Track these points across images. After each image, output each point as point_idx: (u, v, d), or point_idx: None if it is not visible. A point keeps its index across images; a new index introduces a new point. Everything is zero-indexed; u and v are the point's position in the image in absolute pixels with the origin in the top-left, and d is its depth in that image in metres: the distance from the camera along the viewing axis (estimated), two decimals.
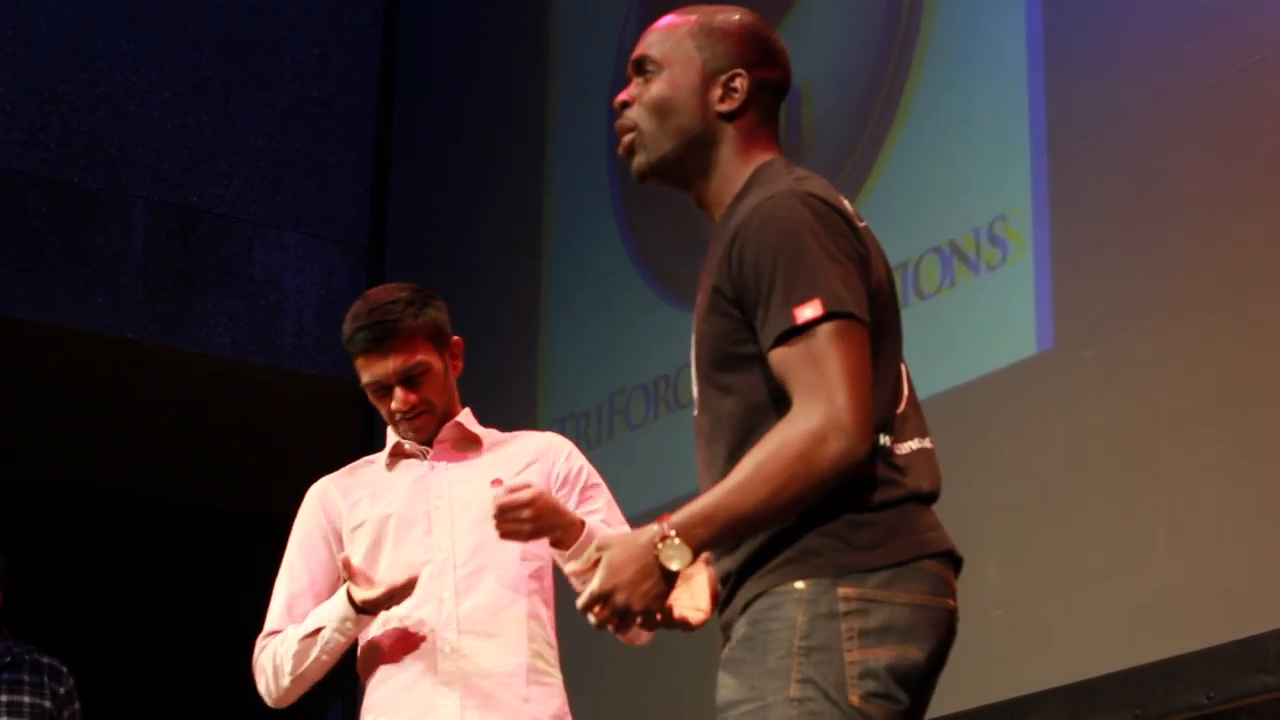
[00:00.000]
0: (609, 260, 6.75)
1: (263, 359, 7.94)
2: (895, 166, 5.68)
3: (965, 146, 5.48)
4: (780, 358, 2.64)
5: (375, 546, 3.80)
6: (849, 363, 2.62)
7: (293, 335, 8.01)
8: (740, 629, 2.68)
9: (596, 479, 3.87)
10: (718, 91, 2.83)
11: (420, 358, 3.76)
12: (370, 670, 3.82)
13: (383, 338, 3.73)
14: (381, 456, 3.90)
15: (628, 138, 2.87)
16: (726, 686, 2.66)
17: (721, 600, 2.77)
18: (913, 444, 2.74)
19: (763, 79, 2.85)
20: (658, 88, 2.85)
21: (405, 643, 3.73)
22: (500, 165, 7.54)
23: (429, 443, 3.85)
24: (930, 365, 4.87)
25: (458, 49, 7.99)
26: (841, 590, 2.61)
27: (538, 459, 3.85)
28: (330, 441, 8.14)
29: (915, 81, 5.69)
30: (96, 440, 8.43)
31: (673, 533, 2.59)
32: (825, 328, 2.62)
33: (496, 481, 3.75)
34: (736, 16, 2.88)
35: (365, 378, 3.78)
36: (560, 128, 7.24)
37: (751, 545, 2.68)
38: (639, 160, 2.86)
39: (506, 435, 3.94)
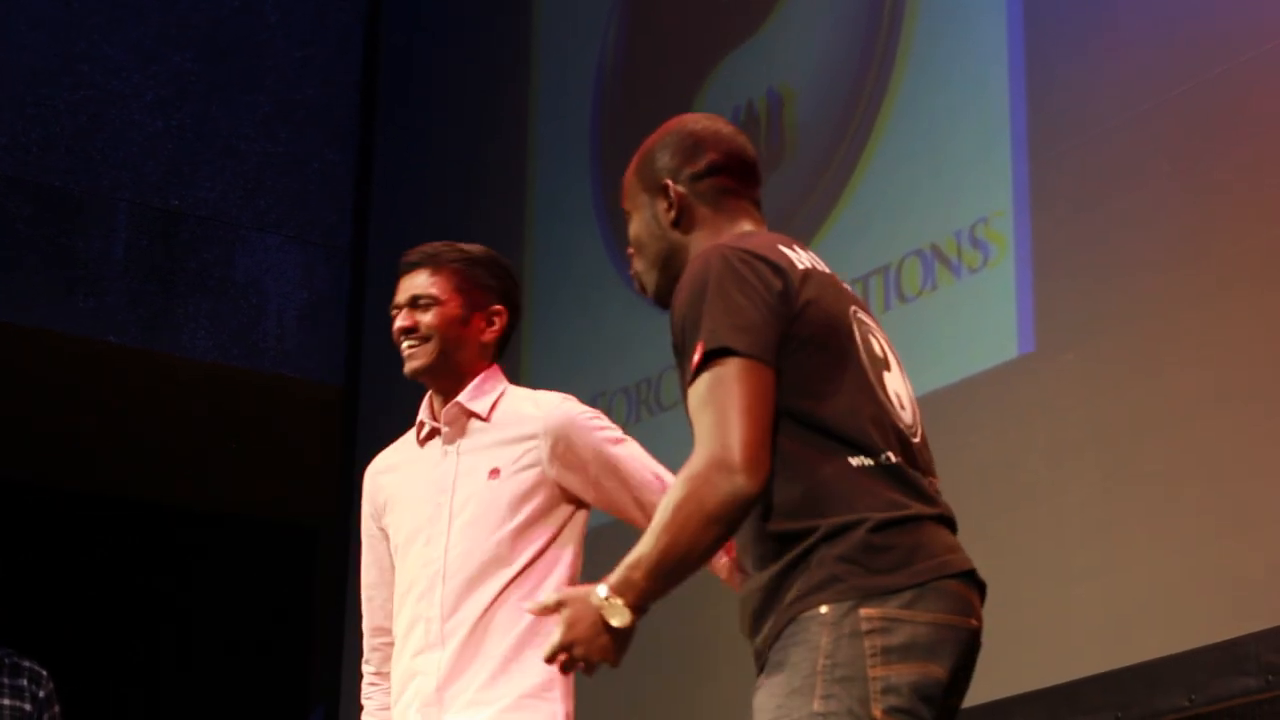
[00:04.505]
0: (590, 263, 6.74)
1: (245, 362, 7.93)
2: (877, 170, 5.69)
3: (947, 149, 5.48)
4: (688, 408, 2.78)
5: (400, 558, 3.80)
6: (731, 400, 2.72)
7: (274, 339, 8.00)
8: (770, 655, 2.75)
9: (616, 436, 3.70)
10: (662, 205, 2.99)
11: (434, 291, 3.75)
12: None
13: (413, 263, 3.79)
14: (415, 432, 3.85)
15: (636, 282, 3.07)
16: (757, 710, 2.73)
17: (753, 630, 2.83)
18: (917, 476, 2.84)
19: (692, 173, 3.00)
20: (631, 231, 3.04)
21: (396, 667, 3.73)
22: (482, 168, 7.53)
23: (427, 374, 3.75)
24: (911, 368, 4.86)
25: (440, 51, 7.98)
26: (864, 611, 2.70)
27: (535, 442, 3.70)
28: (313, 446, 8.13)
29: (897, 84, 5.69)
30: (78, 443, 8.41)
31: (612, 594, 2.71)
32: (708, 372, 2.74)
33: (494, 472, 3.71)
34: (656, 135, 3.05)
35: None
36: (542, 131, 7.24)
37: (778, 577, 2.75)
38: (650, 297, 3.04)
39: (521, 397, 3.79)
